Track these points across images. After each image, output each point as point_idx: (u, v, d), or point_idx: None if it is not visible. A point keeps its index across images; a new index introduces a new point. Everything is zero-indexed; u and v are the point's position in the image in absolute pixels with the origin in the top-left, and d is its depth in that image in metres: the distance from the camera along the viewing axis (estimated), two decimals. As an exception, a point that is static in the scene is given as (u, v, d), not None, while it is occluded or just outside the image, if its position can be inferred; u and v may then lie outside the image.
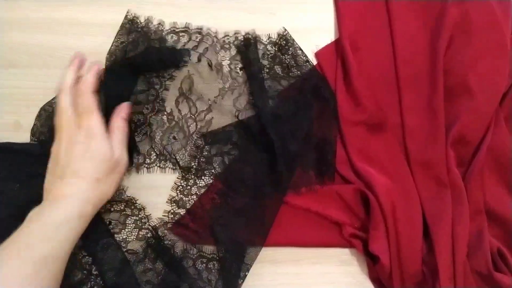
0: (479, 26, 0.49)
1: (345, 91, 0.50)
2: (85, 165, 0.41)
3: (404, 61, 0.50)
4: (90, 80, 0.44)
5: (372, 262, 0.46)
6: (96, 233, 0.48)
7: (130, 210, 0.49)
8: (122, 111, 0.46)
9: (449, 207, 0.46)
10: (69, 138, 0.42)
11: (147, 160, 0.51)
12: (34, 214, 0.39)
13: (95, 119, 0.42)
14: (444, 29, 0.49)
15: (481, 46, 0.49)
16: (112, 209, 0.49)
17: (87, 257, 0.47)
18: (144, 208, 0.49)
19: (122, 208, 0.49)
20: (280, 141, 0.48)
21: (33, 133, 0.49)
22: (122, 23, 0.52)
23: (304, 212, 0.49)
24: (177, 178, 0.50)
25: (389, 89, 0.51)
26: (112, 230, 0.48)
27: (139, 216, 0.49)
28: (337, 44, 0.52)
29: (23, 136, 0.49)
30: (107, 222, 0.49)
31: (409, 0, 0.52)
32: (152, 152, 0.51)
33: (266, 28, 0.51)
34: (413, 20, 0.51)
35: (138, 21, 0.52)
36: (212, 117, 0.52)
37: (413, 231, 0.46)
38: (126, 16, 0.52)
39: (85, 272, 0.46)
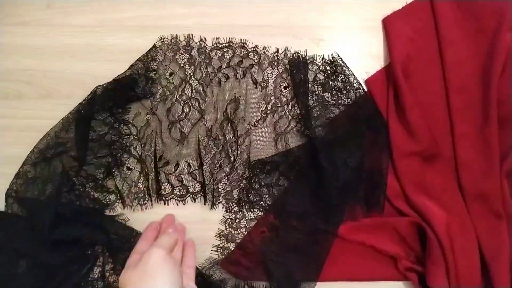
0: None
1: (398, 121, 0.48)
2: None
3: (456, 88, 0.49)
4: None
5: (428, 296, 0.46)
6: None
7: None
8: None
9: (507, 240, 0.45)
10: None
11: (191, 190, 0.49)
12: None
13: None
14: (497, 56, 0.48)
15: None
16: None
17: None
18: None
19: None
20: (331, 167, 0.47)
21: None
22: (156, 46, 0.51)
23: (357, 245, 0.47)
24: (225, 211, 0.48)
25: (441, 117, 0.49)
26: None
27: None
28: (387, 70, 0.50)
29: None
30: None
31: (460, 24, 0.50)
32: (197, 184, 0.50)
33: (314, 54, 0.49)
34: (465, 45, 0.50)
35: (178, 40, 0.50)
36: (251, 141, 0.50)
37: (471, 266, 0.45)
38: (163, 41, 0.51)
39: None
